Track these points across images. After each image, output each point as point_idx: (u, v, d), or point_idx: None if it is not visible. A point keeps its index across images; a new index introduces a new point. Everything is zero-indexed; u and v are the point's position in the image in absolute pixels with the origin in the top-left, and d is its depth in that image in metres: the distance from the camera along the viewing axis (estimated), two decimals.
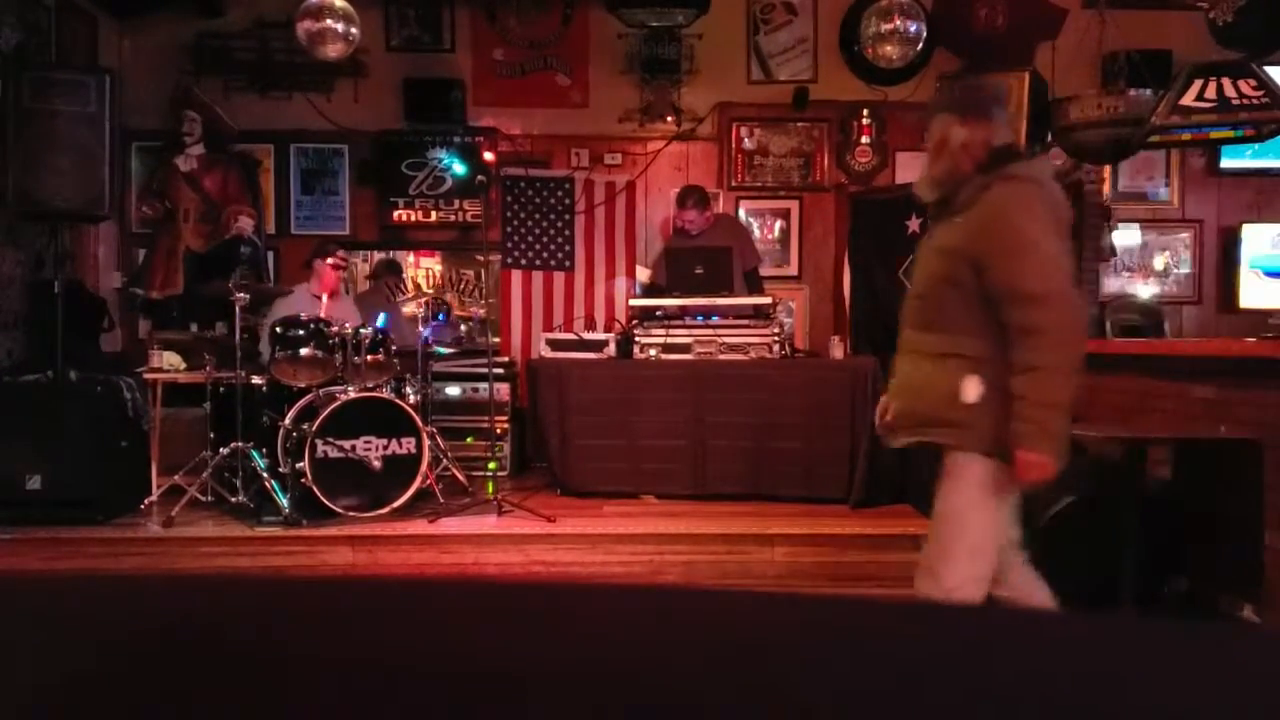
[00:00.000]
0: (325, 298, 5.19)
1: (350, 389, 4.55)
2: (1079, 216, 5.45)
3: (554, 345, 5.39)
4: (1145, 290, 6.79)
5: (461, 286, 6.69)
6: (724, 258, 5.38)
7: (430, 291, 6.53)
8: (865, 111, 6.63)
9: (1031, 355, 2.36)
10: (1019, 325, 2.38)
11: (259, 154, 6.53)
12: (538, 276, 6.60)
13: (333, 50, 5.37)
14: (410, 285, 6.61)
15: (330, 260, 5.25)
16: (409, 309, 5.55)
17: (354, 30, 5.38)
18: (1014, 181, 2.46)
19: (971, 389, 2.43)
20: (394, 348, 4.85)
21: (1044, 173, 2.58)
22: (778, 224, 6.78)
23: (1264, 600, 3.38)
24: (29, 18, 5.50)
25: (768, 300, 5.31)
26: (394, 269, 6.55)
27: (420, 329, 5.28)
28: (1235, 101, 4.06)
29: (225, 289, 4.67)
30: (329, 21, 5.24)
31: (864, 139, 6.67)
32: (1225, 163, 6.68)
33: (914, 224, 5.74)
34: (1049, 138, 4.85)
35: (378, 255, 6.62)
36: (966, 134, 2.54)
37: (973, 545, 2.54)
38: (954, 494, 2.55)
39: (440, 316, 5.58)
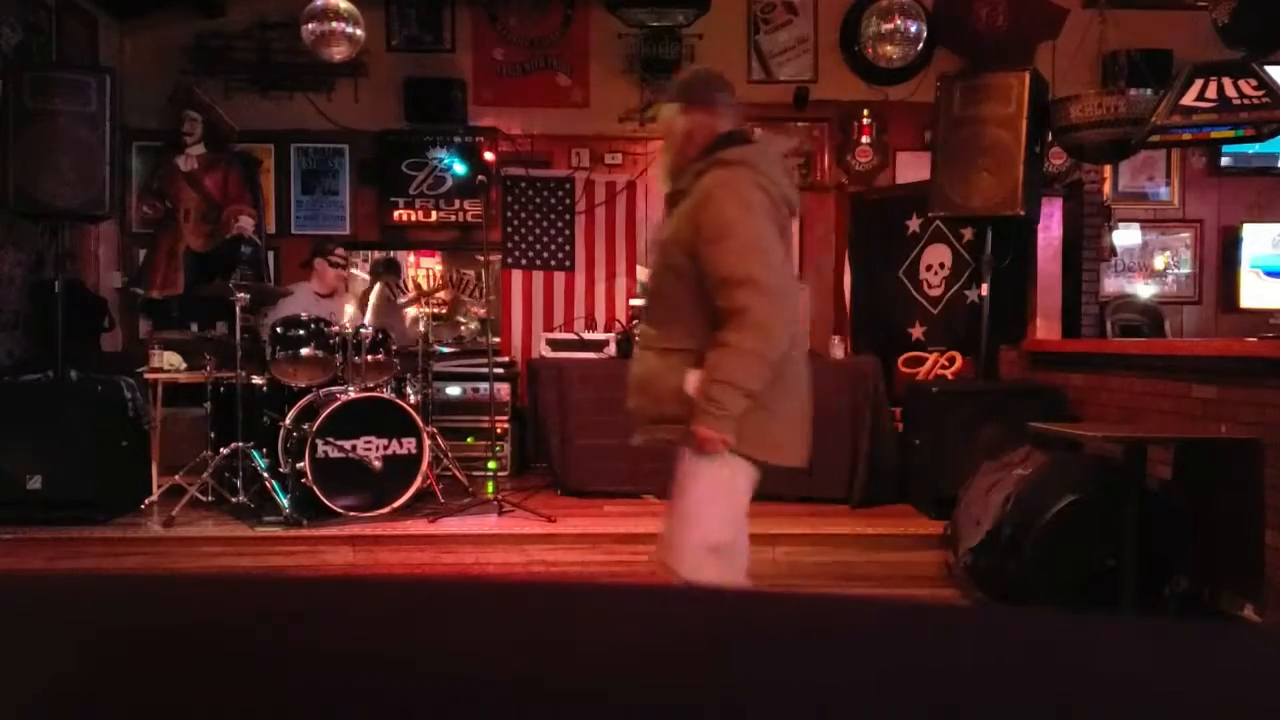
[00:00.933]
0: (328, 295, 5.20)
1: (350, 389, 4.55)
2: (1079, 216, 5.46)
3: (554, 345, 5.39)
4: (1145, 290, 6.79)
5: (462, 286, 6.68)
6: None
7: (441, 294, 6.51)
8: (866, 111, 6.63)
9: (725, 334, 2.34)
10: (722, 309, 2.36)
11: (259, 153, 6.53)
12: (538, 276, 6.60)
13: (338, 52, 5.37)
14: (410, 285, 6.61)
15: (330, 259, 5.26)
16: (410, 310, 5.54)
17: (359, 32, 5.38)
18: (725, 166, 2.45)
19: (693, 382, 2.38)
20: (394, 347, 4.85)
21: (761, 156, 2.52)
22: None
23: (1264, 599, 3.38)
24: (29, 17, 5.50)
25: None
26: (393, 268, 6.54)
27: (420, 329, 5.27)
28: (1236, 101, 4.06)
29: (226, 289, 4.67)
30: (334, 24, 5.25)
31: (864, 139, 6.67)
32: (1225, 162, 6.69)
33: (914, 224, 5.75)
34: (1049, 137, 4.85)
35: (377, 255, 6.62)
36: (688, 122, 2.54)
37: (710, 541, 2.48)
38: (691, 488, 2.48)
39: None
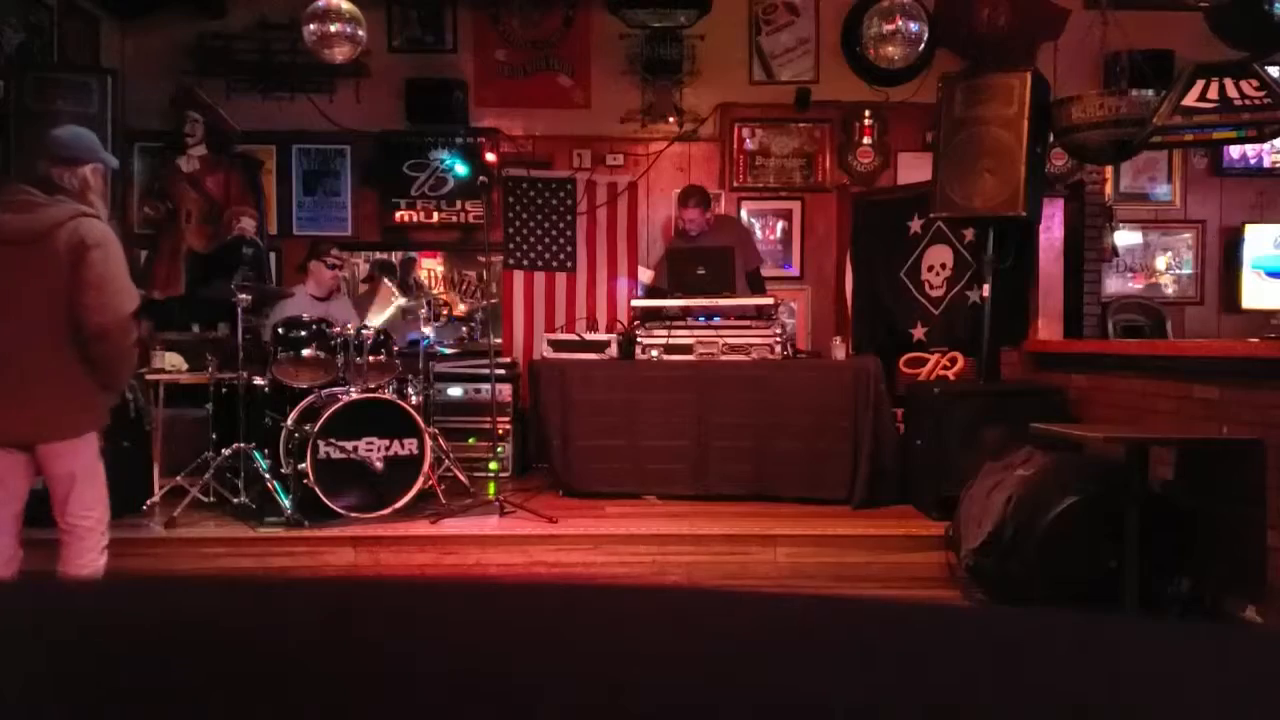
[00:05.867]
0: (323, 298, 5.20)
1: (352, 390, 4.55)
2: (1081, 216, 5.46)
3: (556, 346, 5.38)
4: (1147, 291, 6.78)
5: (464, 287, 6.69)
6: (726, 258, 5.38)
7: (435, 293, 6.52)
8: (867, 112, 6.63)
9: None
10: None
11: (261, 154, 6.54)
12: (540, 277, 6.60)
13: (340, 54, 5.37)
14: (413, 284, 6.61)
15: (325, 260, 5.25)
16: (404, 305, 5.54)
17: (361, 33, 5.38)
18: None
19: None
20: (395, 348, 4.86)
21: None
22: (780, 225, 6.78)
23: (1267, 601, 3.38)
24: (31, 18, 5.50)
25: (770, 301, 5.30)
26: (391, 270, 6.55)
27: (422, 328, 5.27)
28: (1237, 102, 4.05)
29: (227, 290, 4.68)
30: (335, 25, 5.24)
31: (866, 140, 6.67)
32: (1227, 163, 6.69)
33: (916, 224, 5.75)
34: (1051, 138, 4.85)
35: (377, 255, 6.63)
36: None
37: None
38: None
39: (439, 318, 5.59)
